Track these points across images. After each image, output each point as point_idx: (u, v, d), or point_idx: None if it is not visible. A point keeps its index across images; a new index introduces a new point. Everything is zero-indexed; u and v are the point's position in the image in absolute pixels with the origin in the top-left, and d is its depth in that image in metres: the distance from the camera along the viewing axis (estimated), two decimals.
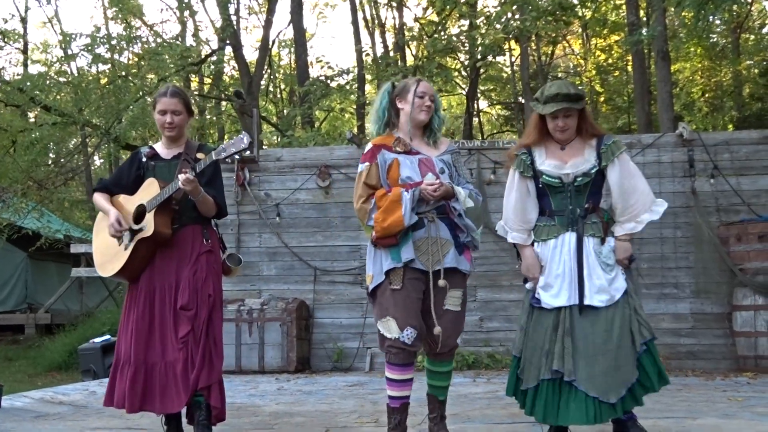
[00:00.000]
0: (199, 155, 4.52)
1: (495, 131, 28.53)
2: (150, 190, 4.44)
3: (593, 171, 4.18)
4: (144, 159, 4.64)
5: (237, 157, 4.40)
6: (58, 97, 16.24)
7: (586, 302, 4.08)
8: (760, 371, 8.39)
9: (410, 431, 4.83)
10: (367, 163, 4.35)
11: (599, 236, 4.17)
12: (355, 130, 19.61)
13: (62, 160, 18.99)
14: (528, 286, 4.33)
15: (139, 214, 4.44)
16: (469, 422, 5.26)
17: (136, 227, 4.41)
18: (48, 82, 15.93)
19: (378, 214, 4.18)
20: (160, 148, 4.70)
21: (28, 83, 15.27)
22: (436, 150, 4.45)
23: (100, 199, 4.64)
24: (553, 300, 4.15)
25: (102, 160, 27.93)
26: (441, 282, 4.15)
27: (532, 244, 4.30)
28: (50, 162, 18.36)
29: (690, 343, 9.24)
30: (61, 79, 16.98)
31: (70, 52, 17.62)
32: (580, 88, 4.39)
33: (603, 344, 4.03)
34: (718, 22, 18.61)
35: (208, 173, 4.45)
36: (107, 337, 10.70)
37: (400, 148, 4.36)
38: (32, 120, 17.72)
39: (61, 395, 7.50)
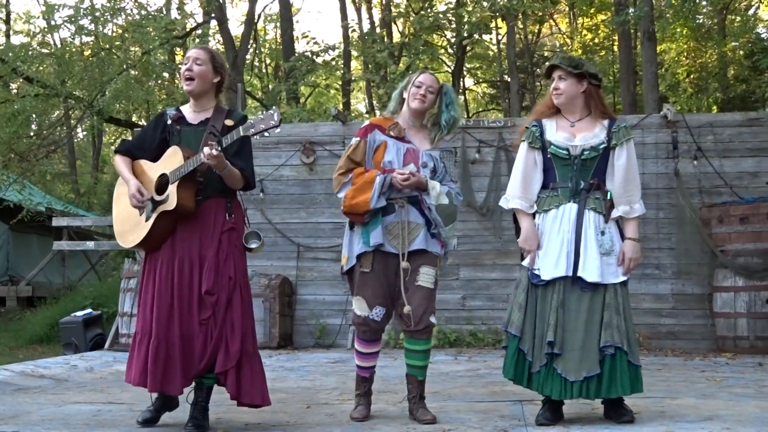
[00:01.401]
0: (228, 122, 4.31)
1: (481, 109, 28.52)
2: (173, 160, 4.23)
3: (601, 147, 4.23)
4: (170, 122, 4.42)
5: (266, 134, 4.15)
6: (41, 68, 16.08)
7: (579, 274, 4.12)
8: (739, 352, 8.46)
9: (391, 409, 4.88)
10: (357, 139, 4.55)
11: (600, 212, 4.21)
12: (341, 106, 19.61)
13: (44, 132, 18.82)
14: (525, 263, 4.34)
15: (162, 184, 4.24)
16: (450, 400, 5.29)
17: (158, 198, 4.22)
18: (30, 53, 15.77)
19: (350, 190, 4.40)
20: (186, 110, 4.48)
21: (11, 54, 15.08)
22: (429, 144, 4.56)
23: (121, 164, 4.43)
24: (552, 271, 4.17)
25: (85, 133, 27.72)
26: (404, 264, 4.35)
27: (533, 216, 4.33)
28: (32, 134, 18.20)
29: (670, 324, 9.31)
30: (44, 51, 16.82)
31: (53, 23, 17.41)
32: (590, 65, 4.43)
33: (578, 323, 4.10)
34: (704, 3, 18.62)
35: (236, 144, 4.21)
36: (89, 310, 10.65)
37: (393, 132, 4.51)
38: (14, 91, 17.54)
39: (42, 369, 7.49)
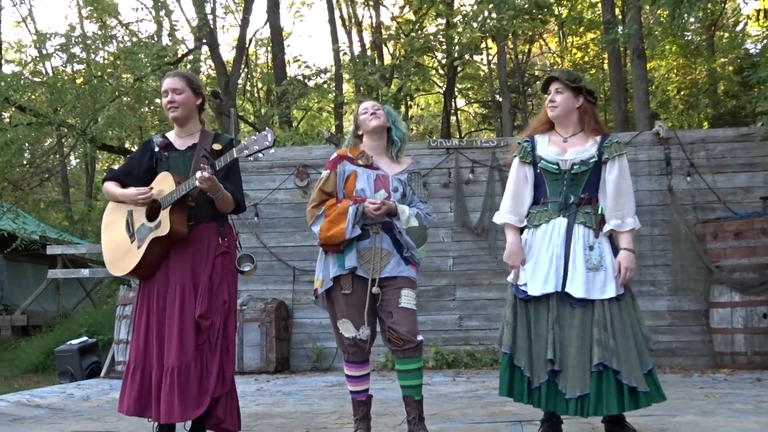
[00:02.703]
0: (216, 146, 4.33)
1: (473, 129, 28.58)
2: (164, 185, 4.23)
3: (592, 161, 4.21)
4: (157, 149, 4.42)
5: (261, 155, 4.20)
6: (33, 97, 16.11)
7: (566, 289, 4.10)
8: (737, 367, 8.45)
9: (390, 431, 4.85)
10: (327, 171, 4.65)
11: (590, 227, 4.18)
12: (333, 129, 19.59)
13: (38, 160, 18.82)
14: (510, 278, 4.33)
15: (153, 210, 4.24)
16: (450, 422, 5.26)
17: (150, 224, 4.21)
18: (23, 82, 15.79)
19: (325, 222, 4.49)
20: (173, 137, 4.49)
21: (2, 83, 15.09)
22: (397, 168, 4.67)
23: (111, 187, 4.43)
24: (542, 287, 4.15)
25: (78, 161, 27.71)
26: (374, 289, 4.41)
27: (522, 231, 4.32)
28: (25, 162, 18.19)
29: (668, 340, 9.29)
30: (36, 79, 16.84)
31: (44, 51, 17.46)
32: (588, 82, 4.44)
33: (572, 339, 4.06)
34: (692, 20, 18.73)
35: (225, 167, 4.21)
36: (84, 338, 10.62)
37: (362, 161, 4.61)
38: (7, 120, 17.55)
39: (38, 398, 7.44)
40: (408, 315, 4.41)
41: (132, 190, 4.30)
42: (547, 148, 4.30)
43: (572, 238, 4.16)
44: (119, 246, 4.36)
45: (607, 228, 4.19)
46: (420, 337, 4.43)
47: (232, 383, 4.29)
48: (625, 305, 4.17)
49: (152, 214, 4.24)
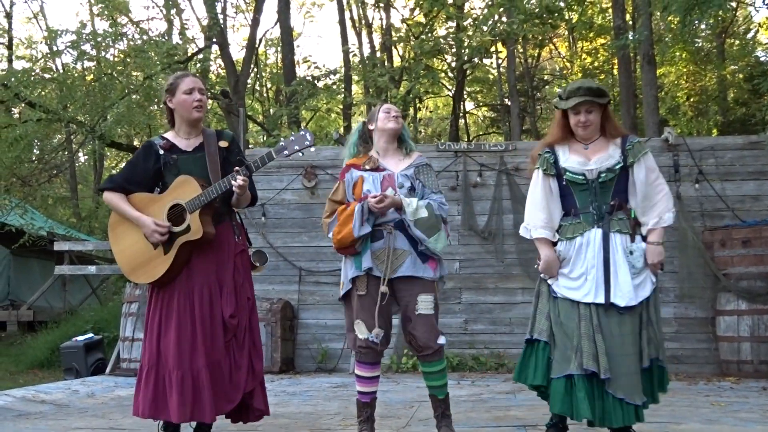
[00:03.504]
0: (222, 143, 4.35)
1: (481, 133, 28.56)
2: (187, 189, 4.18)
3: (618, 167, 4.17)
4: (161, 152, 4.36)
5: (301, 154, 4.23)
6: (43, 93, 16.13)
7: (612, 300, 4.06)
8: (743, 376, 8.43)
9: None
10: (338, 182, 4.75)
11: (626, 232, 4.15)
12: (342, 130, 19.58)
13: (46, 156, 18.87)
14: (544, 276, 4.32)
15: (176, 214, 4.19)
16: (454, 426, 5.25)
17: (177, 229, 4.17)
18: (33, 78, 15.81)
19: (336, 227, 4.54)
20: (175, 138, 4.44)
21: (13, 79, 15.13)
22: (403, 164, 4.72)
23: (118, 201, 4.33)
24: (576, 295, 4.13)
25: (86, 157, 27.78)
26: (383, 288, 4.44)
27: (556, 243, 4.28)
28: (34, 159, 18.24)
29: (674, 348, 9.26)
30: (46, 76, 16.87)
31: (55, 48, 17.50)
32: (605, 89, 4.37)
33: (626, 347, 4.03)
34: (703, 26, 18.69)
35: (236, 163, 4.22)
36: (90, 335, 10.64)
37: (368, 166, 4.67)
38: (16, 116, 17.59)
39: (43, 394, 7.46)
40: (425, 321, 4.47)
41: (148, 222, 4.21)
42: (569, 158, 4.25)
43: (610, 247, 4.12)
44: (140, 254, 4.28)
45: (645, 228, 4.16)
46: (441, 340, 4.51)
47: (263, 376, 4.39)
48: (654, 296, 4.19)
49: (175, 219, 4.21)
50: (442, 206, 4.63)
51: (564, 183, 4.24)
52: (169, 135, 4.48)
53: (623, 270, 4.08)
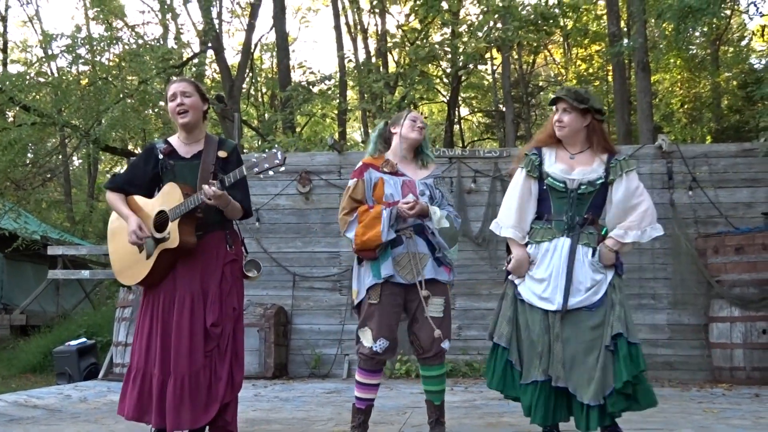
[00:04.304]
0: (221, 153, 4.31)
1: (476, 138, 28.61)
2: (171, 197, 4.20)
3: (599, 182, 4.18)
4: (161, 156, 4.37)
5: (271, 173, 4.11)
6: (38, 97, 16.10)
7: (570, 307, 4.06)
8: (736, 383, 8.44)
9: None
10: (355, 179, 4.74)
11: (593, 246, 4.15)
12: (336, 136, 19.63)
13: (40, 160, 18.84)
14: (511, 277, 4.32)
15: (161, 221, 4.22)
16: None
17: (158, 236, 4.20)
18: (27, 81, 15.79)
19: (359, 228, 4.54)
20: (177, 143, 4.43)
21: (8, 82, 15.11)
22: (421, 173, 4.78)
23: (116, 200, 4.39)
24: (538, 302, 4.14)
25: (80, 161, 27.72)
26: (423, 292, 4.46)
27: (526, 245, 4.28)
28: (28, 162, 18.20)
29: (667, 354, 9.29)
30: (41, 80, 16.85)
31: (50, 52, 17.49)
32: (596, 99, 4.37)
33: (588, 346, 4.03)
34: (697, 34, 18.75)
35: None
36: (83, 339, 10.61)
37: (387, 169, 4.72)
38: (11, 120, 17.55)
39: (35, 399, 7.44)
40: (435, 324, 4.51)
41: (132, 223, 4.24)
42: (554, 164, 4.26)
43: (576, 258, 4.12)
44: (128, 255, 4.35)
45: (608, 240, 4.15)
46: (445, 345, 4.59)
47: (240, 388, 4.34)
48: (617, 279, 4.18)
49: (160, 225, 4.23)
50: (456, 219, 4.75)
51: (544, 187, 4.26)
52: (173, 140, 4.48)
53: (586, 274, 4.10)
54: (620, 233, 4.13)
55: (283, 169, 4.08)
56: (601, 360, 4.00)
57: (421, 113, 27.76)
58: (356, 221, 4.60)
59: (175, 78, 4.54)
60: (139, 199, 4.39)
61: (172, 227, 4.16)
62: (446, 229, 4.58)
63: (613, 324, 4.02)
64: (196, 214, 4.21)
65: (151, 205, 4.32)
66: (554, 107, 4.34)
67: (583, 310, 4.08)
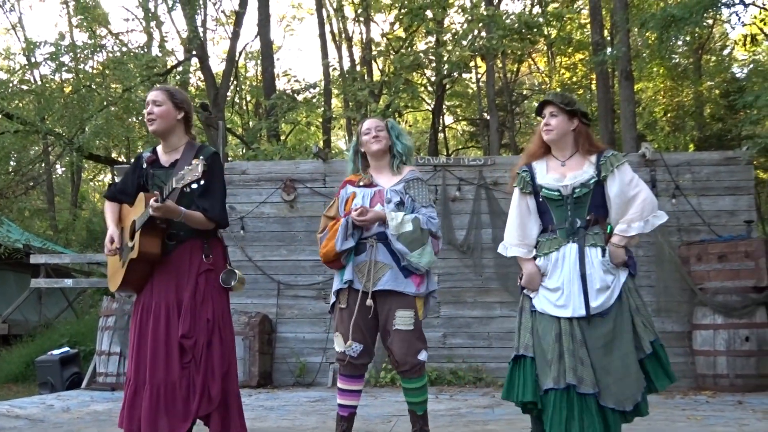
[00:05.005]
0: (194, 162, 4.07)
1: (460, 146, 28.66)
2: (139, 207, 4.20)
3: (592, 182, 4.17)
4: (144, 165, 4.39)
5: (194, 186, 3.94)
6: (21, 105, 16.05)
7: (592, 312, 4.04)
8: (719, 390, 8.48)
9: None
10: (334, 198, 4.83)
11: (601, 246, 4.13)
12: (321, 144, 19.62)
13: (23, 168, 18.75)
14: (526, 291, 4.29)
15: (133, 231, 4.22)
16: None
17: (129, 245, 4.21)
18: (10, 89, 15.74)
19: (324, 241, 4.63)
20: (160, 152, 4.44)
21: None
22: (394, 180, 4.76)
23: (106, 209, 4.50)
24: (555, 311, 4.12)
25: (64, 169, 27.61)
26: (368, 301, 4.50)
27: (534, 259, 4.27)
28: (11, 170, 18.12)
29: None
30: (24, 87, 16.79)
31: (33, 59, 17.43)
32: (581, 104, 4.40)
33: (611, 351, 4.02)
34: (680, 43, 18.89)
35: (202, 186, 4.00)
36: (66, 349, 10.55)
37: (363, 182, 4.74)
38: None
39: (18, 409, 7.39)
40: (402, 337, 4.48)
41: (108, 233, 4.36)
42: (546, 175, 4.26)
43: (586, 261, 4.12)
44: (114, 262, 4.41)
45: (614, 237, 4.15)
46: (421, 357, 4.52)
47: (233, 396, 4.23)
48: (631, 281, 4.20)
49: (133, 235, 4.23)
50: (431, 220, 4.64)
51: (541, 200, 4.26)
52: (159, 148, 4.48)
53: (599, 276, 4.09)
54: (623, 227, 4.13)
55: (203, 183, 3.95)
56: (633, 366, 4.00)
57: (405, 121, 27.89)
58: (326, 236, 4.66)
59: (154, 86, 4.52)
60: (125, 208, 4.44)
61: (136, 237, 4.16)
62: (407, 233, 4.49)
63: (646, 333, 4.09)
64: (159, 225, 4.17)
65: (131, 214, 4.33)
66: (541, 114, 4.34)
67: (603, 314, 4.07)
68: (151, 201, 3.99)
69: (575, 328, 4.07)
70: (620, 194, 4.14)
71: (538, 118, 4.39)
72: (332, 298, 4.74)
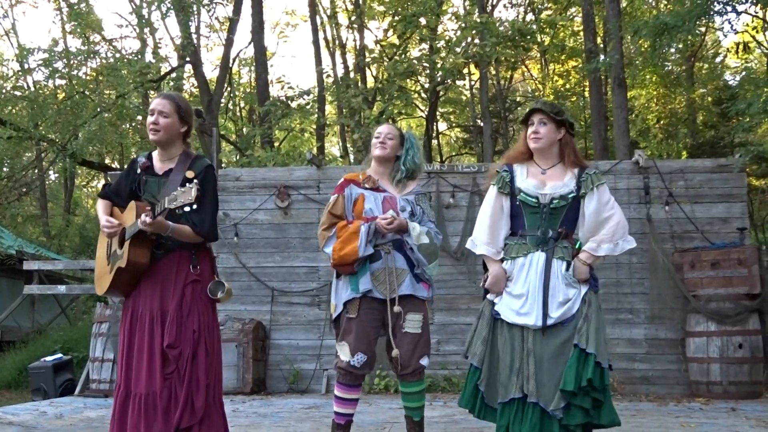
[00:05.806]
0: (188, 173, 4.15)
1: (454, 153, 28.70)
2: (130, 216, 4.14)
3: (570, 196, 4.19)
4: (138, 171, 4.34)
5: (186, 209, 3.85)
6: (14, 111, 16.03)
7: (549, 323, 4.06)
8: (712, 397, 8.50)
9: None
10: (335, 195, 4.74)
11: (568, 260, 4.15)
12: (315, 150, 19.61)
13: (16, 174, 18.71)
14: (490, 296, 4.30)
15: (122, 238, 4.18)
16: None
17: (119, 251, 4.16)
18: (3, 95, 15.72)
19: (337, 243, 4.55)
20: (155, 158, 4.38)
21: None
22: (403, 190, 4.77)
23: (99, 205, 4.44)
24: (516, 318, 4.12)
25: (57, 175, 27.55)
26: (396, 308, 4.49)
27: (501, 261, 4.28)
28: (4, 177, 18.08)
29: (644, 368, 9.33)
30: (17, 93, 16.78)
31: (26, 66, 17.42)
32: (568, 114, 4.41)
33: (555, 357, 4.03)
34: (673, 50, 18.95)
35: (190, 202, 3.90)
36: (59, 355, 10.52)
37: (368, 185, 4.73)
38: None
39: (10, 415, 7.36)
40: (410, 339, 4.55)
41: (102, 219, 4.28)
42: (526, 180, 4.26)
43: (551, 272, 4.13)
44: (101, 265, 4.37)
45: (582, 253, 4.17)
46: (424, 361, 4.59)
47: (216, 409, 4.18)
48: (591, 295, 4.16)
49: (122, 241, 4.19)
50: (437, 235, 4.75)
51: (517, 203, 4.26)
52: (154, 154, 4.43)
53: (561, 289, 4.10)
54: (593, 246, 4.15)
55: (195, 207, 3.93)
56: (561, 370, 4.00)
57: (399, 127, 27.76)
58: (335, 236, 4.60)
59: (162, 93, 4.46)
60: (117, 212, 4.39)
61: (125, 246, 4.12)
62: (426, 245, 4.58)
63: (588, 338, 3.99)
64: (148, 236, 4.13)
65: (123, 219, 4.29)
66: (528, 121, 4.33)
67: (558, 325, 4.09)
68: (143, 216, 3.95)
69: (529, 337, 4.10)
70: (595, 213, 4.16)
71: (524, 125, 4.39)
72: (338, 308, 4.63)
